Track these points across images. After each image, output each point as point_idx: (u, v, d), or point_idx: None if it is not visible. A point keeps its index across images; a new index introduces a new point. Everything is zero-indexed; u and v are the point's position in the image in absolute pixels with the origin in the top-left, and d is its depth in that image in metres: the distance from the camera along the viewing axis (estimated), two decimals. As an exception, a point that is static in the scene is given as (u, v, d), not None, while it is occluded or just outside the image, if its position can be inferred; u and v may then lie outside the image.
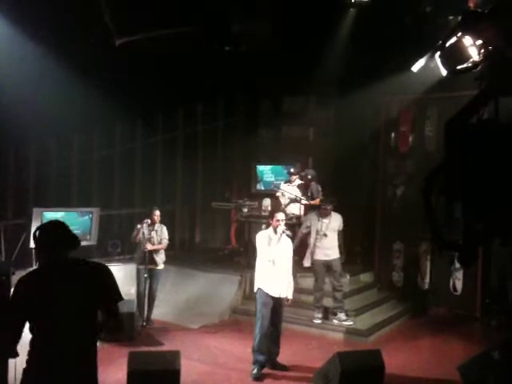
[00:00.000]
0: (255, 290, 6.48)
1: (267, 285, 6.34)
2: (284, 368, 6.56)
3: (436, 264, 9.34)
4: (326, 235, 8.05)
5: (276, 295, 6.37)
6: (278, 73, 9.49)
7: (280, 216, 6.54)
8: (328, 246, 8.07)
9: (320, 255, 8.10)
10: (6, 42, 7.26)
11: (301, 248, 9.61)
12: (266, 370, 6.46)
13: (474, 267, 8.56)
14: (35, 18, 7.05)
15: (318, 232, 8.09)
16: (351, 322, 7.96)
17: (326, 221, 8.11)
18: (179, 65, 9.12)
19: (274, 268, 6.33)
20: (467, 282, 8.95)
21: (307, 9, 7.77)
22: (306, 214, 9.42)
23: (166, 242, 8.21)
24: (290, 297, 6.57)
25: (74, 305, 3.25)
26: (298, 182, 9.84)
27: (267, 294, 6.34)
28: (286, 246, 6.53)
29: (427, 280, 9.48)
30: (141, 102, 10.09)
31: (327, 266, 8.09)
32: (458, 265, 8.97)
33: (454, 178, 2.01)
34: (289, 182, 9.92)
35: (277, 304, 6.43)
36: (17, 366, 4.05)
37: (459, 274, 9.06)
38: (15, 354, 3.29)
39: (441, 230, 2.09)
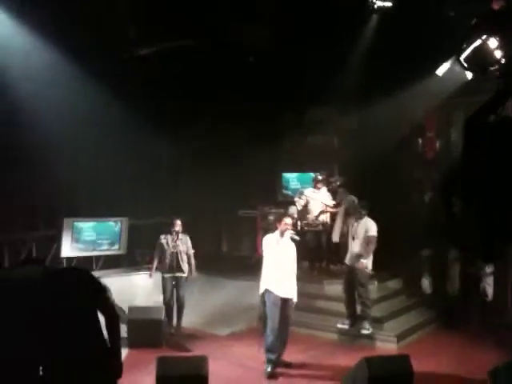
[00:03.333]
0: (261, 291, 6.68)
1: (275, 286, 6.57)
2: (289, 365, 6.79)
3: (466, 270, 9.20)
4: (353, 239, 7.98)
5: (284, 296, 6.59)
6: (301, 82, 9.54)
7: (288, 220, 6.76)
8: (355, 252, 7.97)
9: (347, 259, 8.07)
10: (25, 50, 7.48)
11: (329, 254, 9.62)
12: (294, 376, 6.51)
13: (504, 273, 8.43)
14: (56, 29, 7.26)
15: (350, 235, 8.07)
16: (369, 331, 7.79)
17: (355, 224, 8.04)
18: (200, 75, 9.26)
19: (280, 270, 6.59)
20: (498, 288, 8.79)
21: (331, 17, 7.83)
22: (332, 220, 9.44)
23: (191, 250, 8.33)
24: (295, 299, 6.76)
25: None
26: (325, 188, 9.84)
27: (275, 295, 6.55)
28: (290, 250, 6.77)
29: (457, 286, 9.35)
30: (166, 111, 10.25)
31: (353, 272, 8.00)
32: (488, 270, 8.84)
33: (473, 178, 2.02)
34: (315, 188, 9.89)
35: (285, 305, 6.62)
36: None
37: (490, 280, 8.91)
38: None
39: (458, 231, 2.09)
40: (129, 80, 8.56)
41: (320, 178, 9.91)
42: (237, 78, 9.37)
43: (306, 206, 9.93)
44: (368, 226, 7.93)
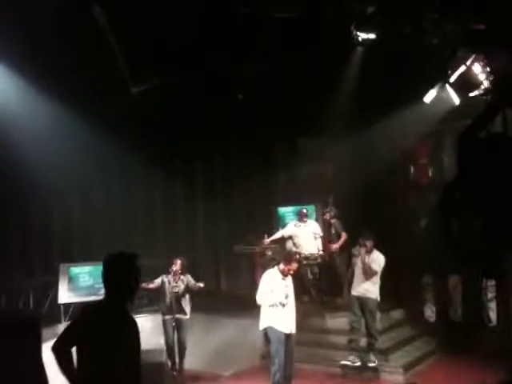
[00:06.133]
0: (262, 327, 6.70)
1: (279, 323, 6.55)
2: None
3: (468, 296, 9.10)
4: (363, 270, 7.76)
5: (288, 331, 6.58)
6: (291, 115, 9.58)
7: (295, 265, 6.77)
8: (364, 283, 7.79)
9: (354, 290, 7.90)
10: (23, 98, 7.52)
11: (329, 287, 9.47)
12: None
13: (506, 298, 8.34)
14: (50, 72, 7.31)
15: (361, 266, 7.82)
16: (375, 364, 7.67)
17: (368, 257, 7.81)
18: (196, 113, 9.32)
19: (283, 306, 6.59)
20: (501, 313, 8.68)
21: (318, 49, 7.90)
22: (325, 252, 9.38)
23: (200, 285, 8.14)
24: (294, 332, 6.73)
25: None
26: (312, 222, 9.82)
27: (280, 332, 6.53)
28: (291, 285, 6.80)
29: (460, 313, 9.23)
30: (160, 152, 10.28)
31: (363, 303, 7.84)
32: (490, 295, 8.76)
33: (470, 191, 2.01)
34: (301, 222, 9.80)
35: (288, 340, 6.60)
36: None
37: (492, 305, 8.82)
38: None
39: (461, 244, 2.07)
40: (121, 121, 8.61)
41: (304, 211, 9.86)
42: (226, 115, 9.44)
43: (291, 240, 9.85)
44: (380, 260, 7.82)
